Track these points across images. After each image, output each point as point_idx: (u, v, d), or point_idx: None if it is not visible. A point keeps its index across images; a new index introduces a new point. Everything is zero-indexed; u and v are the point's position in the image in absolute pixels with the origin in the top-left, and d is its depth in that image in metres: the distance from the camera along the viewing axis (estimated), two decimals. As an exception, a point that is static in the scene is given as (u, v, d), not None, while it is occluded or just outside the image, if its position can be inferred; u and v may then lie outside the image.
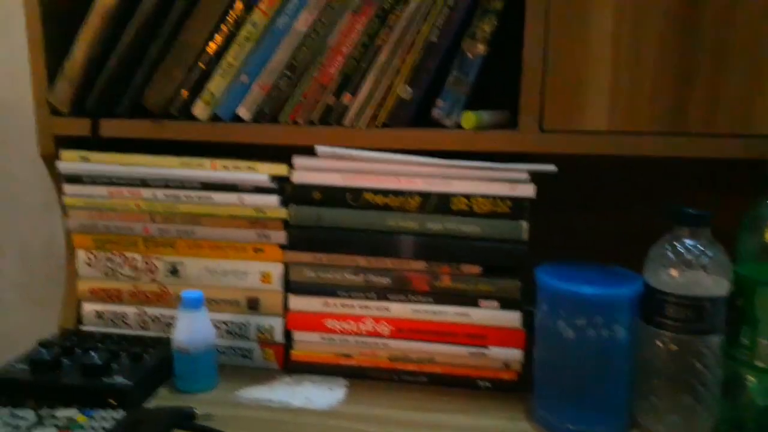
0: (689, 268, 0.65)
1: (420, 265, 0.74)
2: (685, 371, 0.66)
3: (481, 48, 0.71)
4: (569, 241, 0.80)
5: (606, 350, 0.65)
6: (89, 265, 0.80)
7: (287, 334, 0.78)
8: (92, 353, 0.70)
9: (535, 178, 0.71)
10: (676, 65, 0.66)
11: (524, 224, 0.72)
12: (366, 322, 0.76)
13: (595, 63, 0.67)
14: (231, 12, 0.71)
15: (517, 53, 0.69)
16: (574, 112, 0.68)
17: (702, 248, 0.65)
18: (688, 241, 0.66)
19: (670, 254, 0.66)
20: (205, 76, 0.73)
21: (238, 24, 0.71)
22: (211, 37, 0.72)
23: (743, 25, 0.64)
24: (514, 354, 0.74)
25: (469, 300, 0.74)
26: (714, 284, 0.64)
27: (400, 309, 0.75)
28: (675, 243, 0.66)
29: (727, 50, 0.65)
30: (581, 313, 0.64)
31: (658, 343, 0.66)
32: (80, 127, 0.77)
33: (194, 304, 0.72)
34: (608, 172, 0.84)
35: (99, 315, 0.81)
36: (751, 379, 0.66)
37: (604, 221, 0.84)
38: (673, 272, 0.65)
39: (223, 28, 0.72)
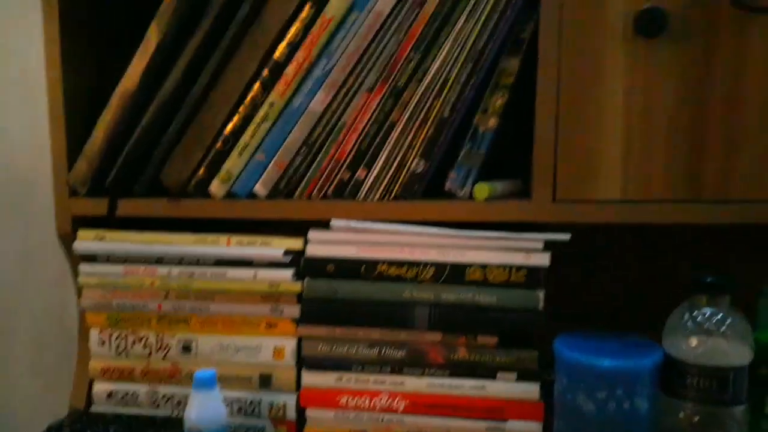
0: (709, 337, 0.64)
1: (436, 336, 0.73)
2: (712, 444, 0.64)
3: (492, 122, 0.73)
4: (586, 306, 0.79)
5: (627, 423, 0.64)
6: (102, 343, 0.79)
7: (300, 411, 0.76)
8: (103, 435, 0.69)
9: (550, 245, 0.72)
10: (687, 135, 0.67)
11: (540, 293, 0.71)
12: (381, 397, 0.74)
13: (607, 134, 0.68)
14: (249, 94, 0.74)
15: (530, 123, 0.70)
16: (587, 182, 0.69)
17: (722, 316, 0.64)
18: (707, 309, 0.65)
19: (689, 323, 0.65)
20: (223, 155, 0.75)
21: (256, 105, 0.74)
22: (229, 119, 0.74)
23: (752, 96, 0.65)
24: (532, 427, 0.71)
25: (486, 372, 0.72)
26: (736, 353, 0.63)
27: (415, 383, 0.74)
28: (694, 311, 0.65)
29: (738, 121, 0.66)
30: (601, 386, 0.63)
31: (681, 415, 0.64)
32: (98, 206, 0.78)
33: (207, 384, 0.70)
34: (624, 236, 0.85)
35: (110, 395, 0.79)
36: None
37: (620, 286, 0.83)
38: (694, 342, 0.64)
39: (241, 109, 0.74)
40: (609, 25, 0.66)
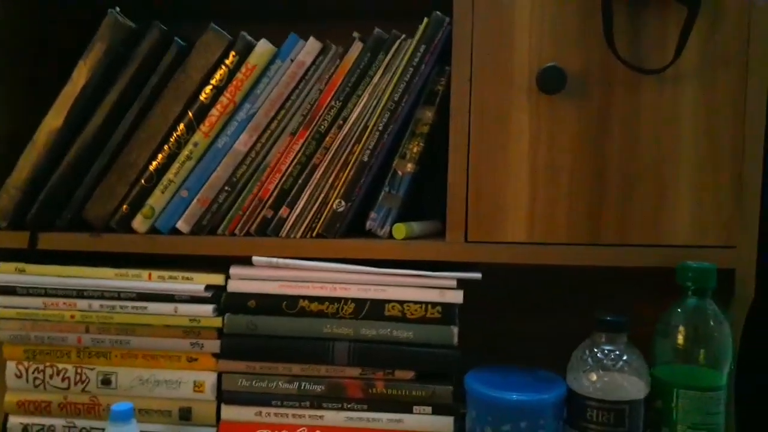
0: (608, 373, 0.68)
1: (355, 371, 0.75)
2: (611, 475, 0.67)
3: (410, 167, 0.77)
4: (499, 344, 0.83)
5: (533, 456, 0.67)
6: (18, 376, 0.78)
7: (220, 446, 0.77)
8: (12, 473, 0.68)
9: (463, 284, 0.75)
10: (588, 184, 0.72)
11: (455, 329, 0.75)
12: (299, 431, 0.76)
13: (514, 181, 0.73)
14: (174, 133, 0.76)
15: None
16: (496, 225, 0.73)
17: (619, 353, 0.69)
18: (606, 347, 0.69)
19: (589, 359, 0.69)
20: (147, 191, 0.76)
21: (180, 144, 0.76)
22: (153, 156, 0.76)
23: (645, 148, 0.71)
24: (447, 461, 0.74)
25: (403, 406, 0.75)
26: (632, 387, 0.68)
27: (334, 417, 0.75)
28: (594, 348, 0.70)
29: (633, 171, 0.72)
30: (507, 419, 0.66)
31: (583, 447, 0.68)
32: (18, 240, 0.78)
33: (123, 417, 0.70)
34: (534, 278, 0.89)
35: (25, 429, 0.78)
36: (673, 482, 0.68)
37: (531, 324, 0.88)
38: (593, 377, 0.68)
39: (166, 148, 0.76)
40: (515, 81, 0.71)
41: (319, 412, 0.76)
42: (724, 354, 0.68)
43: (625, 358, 0.68)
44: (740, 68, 0.70)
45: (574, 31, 0.70)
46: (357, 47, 0.74)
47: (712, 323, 0.68)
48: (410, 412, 0.75)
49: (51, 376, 0.78)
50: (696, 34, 0.69)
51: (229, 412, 0.77)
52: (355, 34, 0.75)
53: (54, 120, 0.75)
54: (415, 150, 0.76)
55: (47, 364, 0.78)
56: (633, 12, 0.70)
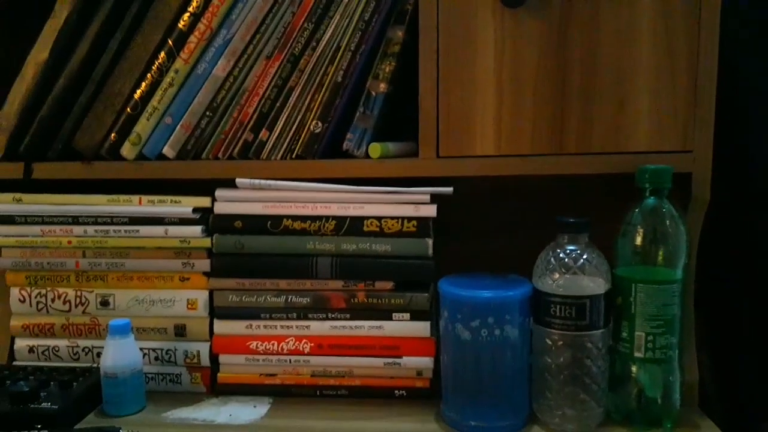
0: (569, 271, 0.73)
1: (337, 284, 0.80)
2: (574, 366, 0.73)
3: (383, 86, 0.80)
4: (475, 258, 0.87)
5: (500, 349, 0.72)
6: (21, 301, 0.83)
7: (213, 358, 0.82)
8: (21, 382, 0.73)
9: (437, 199, 0.79)
10: (551, 97, 0.76)
11: (429, 241, 0.79)
12: (288, 341, 0.81)
13: (481, 98, 0.76)
14: (155, 61, 0.79)
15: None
16: (466, 140, 0.77)
17: (579, 252, 0.73)
18: (568, 247, 0.74)
19: (552, 259, 0.74)
20: (133, 119, 0.80)
21: (162, 71, 0.79)
22: (137, 85, 0.79)
23: (605, 59, 0.74)
24: (425, 362, 0.80)
25: (383, 314, 0.80)
26: (592, 284, 0.73)
27: (319, 326, 0.81)
28: (557, 249, 0.74)
29: (594, 82, 0.75)
30: (475, 316, 0.71)
31: (548, 341, 0.73)
32: (13, 170, 0.82)
33: (121, 331, 0.76)
34: (507, 194, 0.94)
35: (31, 350, 0.83)
36: (633, 369, 0.74)
37: (502, 235, 0.93)
38: (556, 275, 0.73)
39: (149, 76, 0.79)
40: (479, -3, 0.74)
41: (305, 323, 0.81)
42: (678, 251, 0.73)
43: (585, 256, 0.73)
44: (694, -22, 0.72)
45: (535, -54, 0.73)
46: (327, -30, 0.77)
47: (667, 222, 0.72)
48: (390, 319, 0.80)
49: (53, 300, 0.83)
50: (651, -54, 0.72)
51: (222, 327, 0.82)
52: (325, -43, 0.78)
53: (40, 53, 0.78)
54: (387, 70, 0.79)
55: (48, 288, 0.83)
56: (591, -74, 0.73)
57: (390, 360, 0.80)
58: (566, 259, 0.73)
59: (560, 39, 0.74)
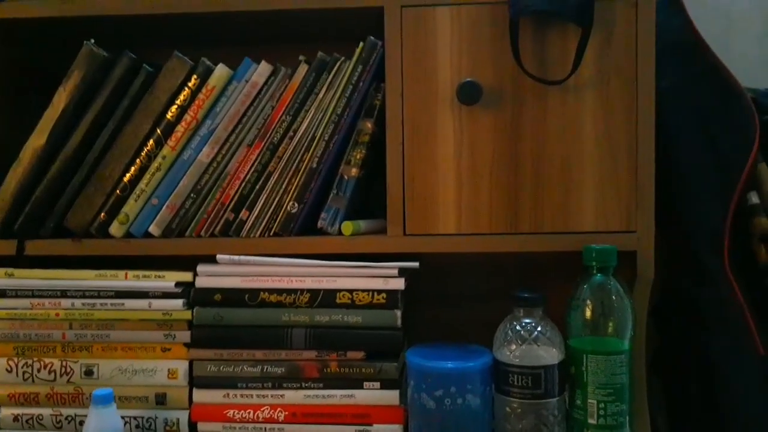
0: (525, 342, 0.79)
1: (311, 354, 0.85)
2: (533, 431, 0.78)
3: (354, 171, 0.87)
4: (442, 325, 0.93)
5: (463, 417, 0.77)
6: (9, 371, 0.87)
7: (192, 426, 0.86)
8: (6, 451, 0.77)
9: (404, 273, 0.86)
10: (505, 182, 0.83)
11: (398, 312, 0.85)
12: (263, 409, 0.85)
13: (443, 183, 0.84)
14: (144, 148, 0.86)
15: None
16: (429, 219, 0.84)
17: (534, 325, 0.79)
18: (524, 320, 0.80)
19: (509, 332, 0.80)
20: (121, 200, 0.86)
21: (150, 157, 0.86)
22: (127, 169, 0.86)
23: (554, 150, 0.82)
24: (395, 429, 0.84)
25: (355, 383, 0.85)
26: (546, 354, 0.78)
27: (293, 395, 0.85)
28: (514, 322, 0.80)
29: (544, 170, 0.83)
30: (439, 385, 0.77)
31: (507, 408, 0.78)
32: (7, 247, 0.87)
33: (104, 401, 0.79)
34: (470, 268, 1.01)
35: (16, 418, 0.86)
36: (588, 436, 0.79)
37: (468, 307, 0.99)
38: (513, 346, 0.79)
39: (138, 161, 0.86)
40: (439, 95, 0.83)
41: (280, 392, 0.85)
42: (625, 324, 0.79)
43: (539, 329, 0.79)
44: (630, 77, 0.81)
45: (488, 50, 0.82)
46: (303, 68, 0.86)
47: (614, 297, 0.79)
48: (361, 387, 0.85)
49: (39, 370, 0.87)
50: (591, 50, 0.81)
51: (201, 396, 0.86)
52: (301, 57, 0.86)
53: (37, 139, 0.85)
54: (358, 157, 0.87)
55: (35, 359, 0.87)
56: (537, 32, 0.82)
57: (361, 428, 0.84)
58: (522, 332, 0.79)
59: (512, 131, 0.83)
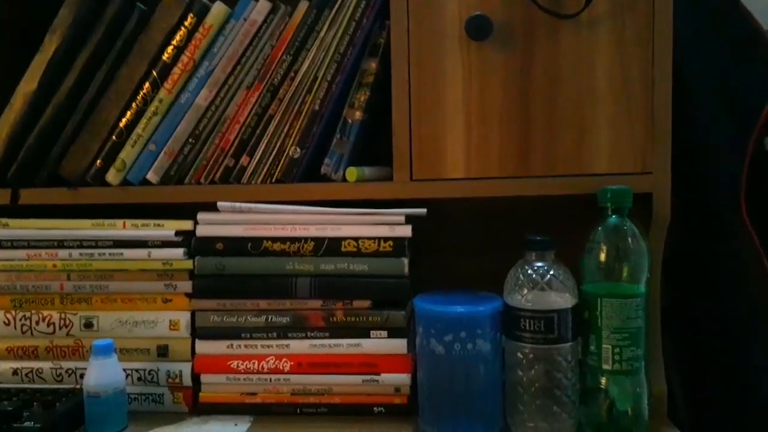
0: (537, 286, 0.76)
1: (316, 303, 0.83)
2: (545, 379, 0.76)
3: (358, 114, 0.84)
4: (448, 276, 0.91)
5: (473, 363, 0.75)
6: (6, 324, 0.85)
7: (195, 378, 0.84)
8: (4, 402, 0.74)
9: (411, 219, 0.83)
10: (516, 123, 0.80)
11: (405, 260, 0.82)
12: (268, 360, 0.83)
13: (451, 125, 0.80)
14: (140, 91, 0.82)
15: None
16: (437, 164, 0.81)
17: (547, 268, 0.77)
18: (536, 264, 0.78)
19: (521, 276, 0.77)
20: (118, 146, 0.83)
21: (147, 101, 0.82)
22: (122, 114, 0.83)
23: (566, 89, 0.79)
24: (403, 379, 0.82)
25: (361, 332, 0.83)
26: (559, 299, 0.76)
27: (299, 345, 0.83)
28: (525, 266, 0.78)
29: (556, 108, 0.79)
30: (448, 330, 0.74)
31: (519, 354, 0.76)
32: (1, 197, 0.85)
33: (104, 351, 0.77)
34: (477, 215, 0.98)
35: (15, 372, 0.85)
36: (602, 382, 0.76)
37: (472, 255, 0.97)
38: (525, 291, 0.76)
39: (134, 105, 0.83)
40: (447, 30, 0.79)
41: (285, 342, 0.83)
42: (641, 267, 0.76)
43: (552, 272, 0.76)
44: (647, 10, 0.78)
45: (498, -17, 0.78)
46: (303, 5, 0.82)
47: (629, 239, 0.76)
48: (368, 336, 0.83)
49: (37, 323, 0.85)
50: (606, -18, 0.77)
51: (203, 347, 0.84)
52: (302, -6, 0.83)
53: (28, 84, 0.82)
54: (362, 99, 0.83)
55: (33, 311, 0.85)
56: (550, -36, 0.78)
57: (368, 377, 0.82)
58: (534, 275, 0.76)
59: (524, 68, 0.79)
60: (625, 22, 0.78)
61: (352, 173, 0.83)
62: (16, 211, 0.85)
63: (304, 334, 0.83)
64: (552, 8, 0.77)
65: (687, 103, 0.89)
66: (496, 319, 0.76)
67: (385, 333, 0.83)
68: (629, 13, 0.78)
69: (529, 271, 0.77)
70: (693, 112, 0.89)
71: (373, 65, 0.83)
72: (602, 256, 0.77)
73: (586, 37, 0.78)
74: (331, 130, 0.84)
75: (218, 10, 0.81)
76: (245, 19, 0.82)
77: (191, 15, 0.81)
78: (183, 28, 0.81)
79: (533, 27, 0.79)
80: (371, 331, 0.83)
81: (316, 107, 0.82)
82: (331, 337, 0.83)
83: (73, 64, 0.82)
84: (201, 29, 0.81)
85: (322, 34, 0.81)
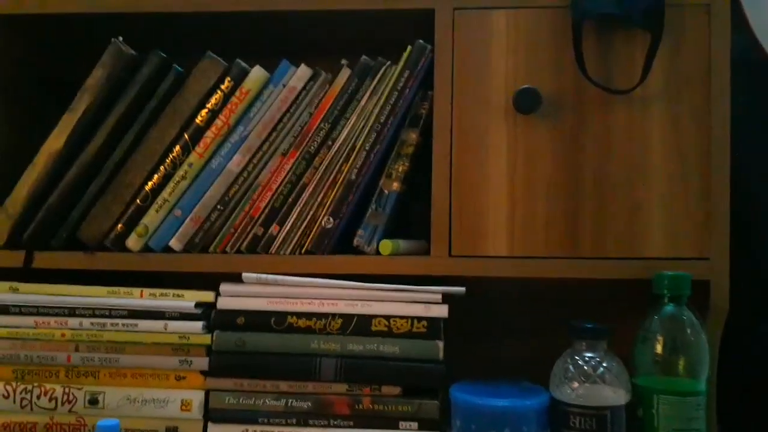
0: (588, 380, 0.69)
1: (341, 387, 0.76)
2: (596, 482, 0.68)
3: (396, 186, 0.80)
4: (486, 363, 0.84)
5: (518, 463, 0.67)
6: (5, 397, 0.78)
7: (206, 465, 0.76)
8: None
9: (448, 299, 0.77)
10: (564, 200, 0.76)
11: (440, 344, 0.76)
12: (287, 449, 0.75)
13: (494, 199, 0.76)
14: (170, 154, 0.79)
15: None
16: (478, 240, 0.76)
17: (599, 360, 0.70)
18: (586, 354, 0.71)
19: (570, 367, 0.71)
20: (141, 211, 0.79)
21: (176, 164, 0.79)
22: (149, 177, 0.79)
23: (618, 164, 0.75)
24: (435, 479, 0.74)
25: (390, 422, 0.75)
26: (613, 394, 0.69)
27: (320, 434, 0.76)
28: (575, 356, 0.71)
29: (607, 186, 0.75)
30: (490, 426, 0.67)
31: (568, 454, 0.69)
32: (14, 259, 0.80)
33: (110, 432, 0.70)
34: (519, 298, 0.92)
35: (8, 452, 0.77)
36: (659, 489, 0.68)
37: (514, 340, 0.90)
38: (575, 384, 0.69)
39: (162, 168, 0.79)
40: (492, 103, 0.76)
41: (305, 430, 0.76)
42: (701, 361, 0.70)
43: (605, 364, 0.70)
44: (703, 88, 0.75)
45: (548, 55, 0.76)
46: (345, 73, 0.80)
47: (688, 330, 0.70)
48: (396, 428, 0.75)
49: (38, 397, 0.78)
50: (660, 58, 0.74)
51: (216, 431, 0.77)
52: (343, 61, 0.80)
53: (55, 142, 0.79)
54: (400, 170, 0.80)
55: (35, 384, 0.78)
56: (602, 37, 0.76)
57: (396, 475, 0.74)
58: (585, 367, 0.70)
59: (573, 143, 0.76)
60: (681, 98, 0.75)
61: (386, 246, 0.78)
62: (29, 274, 0.80)
63: (326, 422, 0.76)
64: (604, 83, 0.74)
65: (747, 184, 0.85)
66: (542, 414, 0.69)
67: (415, 425, 0.75)
68: (685, 90, 0.75)
69: (580, 362, 0.70)
70: (749, 188, 0.85)
71: (413, 136, 0.80)
72: (658, 348, 0.71)
73: (639, 113, 0.75)
74: (366, 200, 0.80)
75: (257, 75, 0.79)
76: (284, 85, 0.79)
77: (228, 79, 0.79)
78: (219, 91, 0.79)
79: (584, 102, 0.76)
80: (401, 422, 0.75)
81: (353, 177, 0.78)
82: (356, 426, 0.75)
83: (102, 124, 0.79)
84: (238, 93, 0.79)
85: (362, 102, 0.79)
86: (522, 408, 0.68)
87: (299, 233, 0.78)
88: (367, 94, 0.79)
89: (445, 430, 0.76)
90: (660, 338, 0.70)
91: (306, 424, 0.76)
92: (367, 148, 0.78)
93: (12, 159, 0.84)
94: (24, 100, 0.89)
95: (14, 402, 0.78)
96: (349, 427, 0.76)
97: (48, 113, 0.84)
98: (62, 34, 0.89)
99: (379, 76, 0.79)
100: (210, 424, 0.77)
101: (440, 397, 0.77)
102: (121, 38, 0.80)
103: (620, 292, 0.79)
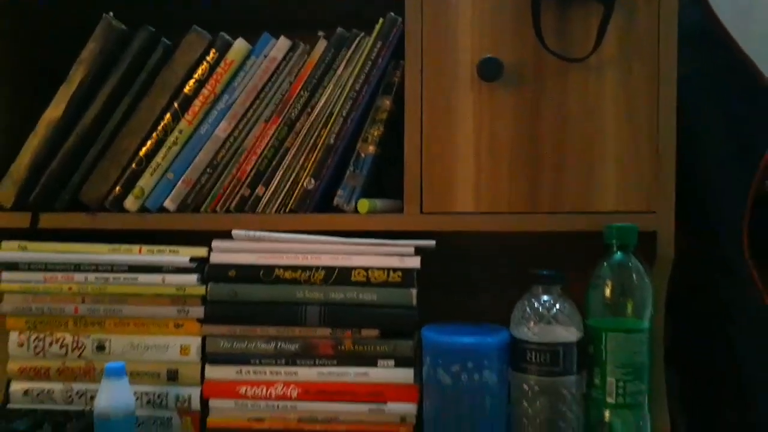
0: (543, 320, 0.78)
1: (325, 331, 0.84)
2: (549, 411, 0.77)
3: (372, 149, 0.87)
4: (455, 309, 0.92)
5: (479, 393, 0.76)
6: (20, 345, 0.86)
7: (204, 402, 0.85)
8: (17, 421, 0.75)
9: (420, 251, 0.85)
10: (525, 160, 0.83)
11: (413, 291, 0.84)
12: (276, 386, 0.84)
13: (461, 159, 0.83)
14: (161, 122, 0.85)
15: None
16: (447, 197, 0.84)
17: (553, 302, 0.79)
18: (542, 297, 0.79)
19: (528, 309, 0.79)
20: (137, 174, 0.86)
21: (167, 131, 0.85)
22: (143, 143, 0.86)
23: (574, 128, 0.82)
24: (409, 408, 0.83)
25: (369, 360, 0.84)
26: (565, 332, 0.78)
27: (307, 373, 0.84)
28: (532, 299, 0.80)
29: (564, 146, 0.82)
30: (455, 361, 0.76)
31: (524, 386, 0.77)
32: (21, 220, 0.87)
33: (116, 374, 0.78)
34: (486, 253, 1.00)
35: (26, 393, 0.86)
36: (606, 415, 0.77)
37: (480, 288, 0.99)
38: (531, 323, 0.78)
39: (154, 135, 0.85)
40: (459, 72, 0.82)
41: (293, 369, 0.85)
42: (645, 302, 0.78)
43: (558, 306, 0.78)
44: (653, 55, 0.81)
45: (509, 27, 0.82)
46: (322, 44, 0.85)
47: (634, 275, 0.78)
48: (375, 365, 0.84)
49: (50, 344, 0.86)
50: (613, 28, 0.80)
51: (213, 372, 0.85)
52: (320, 33, 0.86)
53: (54, 111, 0.85)
54: (375, 134, 0.86)
55: (47, 333, 0.87)
56: (559, 10, 0.81)
57: (375, 406, 0.83)
58: (541, 309, 0.78)
59: (533, 109, 0.82)
60: (632, 65, 0.81)
61: (363, 205, 0.85)
62: (35, 234, 0.87)
63: (312, 362, 0.85)
64: (561, 52, 0.81)
65: (691, 140, 0.91)
66: (502, 350, 0.78)
67: (392, 362, 0.84)
68: (636, 57, 0.81)
69: (536, 305, 0.79)
70: (697, 150, 0.92)
71: (387, 102, 0.86)
72: (607, 292, 0.79)
73: (594, 79, 0.81)
74: (344, 163, 0.87)
75: (240, 47, 0.85)
76: (265, 56, 0.85)
77: (213, 51, 0.85)
78: (205, 62, 0.85)
79: (543, 69, 0.82)
80: (379, 360, 0.84)
81: (331, 141, 0.85)
82: (338, 365, 0.84)
83: (97, 94, 0.85)
84: (222, 64, 0.85)
85: (339, 71, 0.85)
86: (484, 345, 0.76)
87: (283, 194, 0.85)
88: (343, 63, 0.85)
89: (419, 367, 0.85)
90: (609, 283, 0.78)
91: (294, 364, 0.85)
92: (344, 114, 0.85)
93: (15, 130, 0.89)
94: (23, 73, 0.94)
95: (28, 350, 0.86)
96: (333, 365, 0.84)
97: (47, 84, 0.90)
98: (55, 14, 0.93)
99: (353, 46, 0.85)
100: (207, 366, 0.85)
101: (415, 338, 0.86)
102: (111, 13, 0.85)
103: (577, 244, 0.86)
